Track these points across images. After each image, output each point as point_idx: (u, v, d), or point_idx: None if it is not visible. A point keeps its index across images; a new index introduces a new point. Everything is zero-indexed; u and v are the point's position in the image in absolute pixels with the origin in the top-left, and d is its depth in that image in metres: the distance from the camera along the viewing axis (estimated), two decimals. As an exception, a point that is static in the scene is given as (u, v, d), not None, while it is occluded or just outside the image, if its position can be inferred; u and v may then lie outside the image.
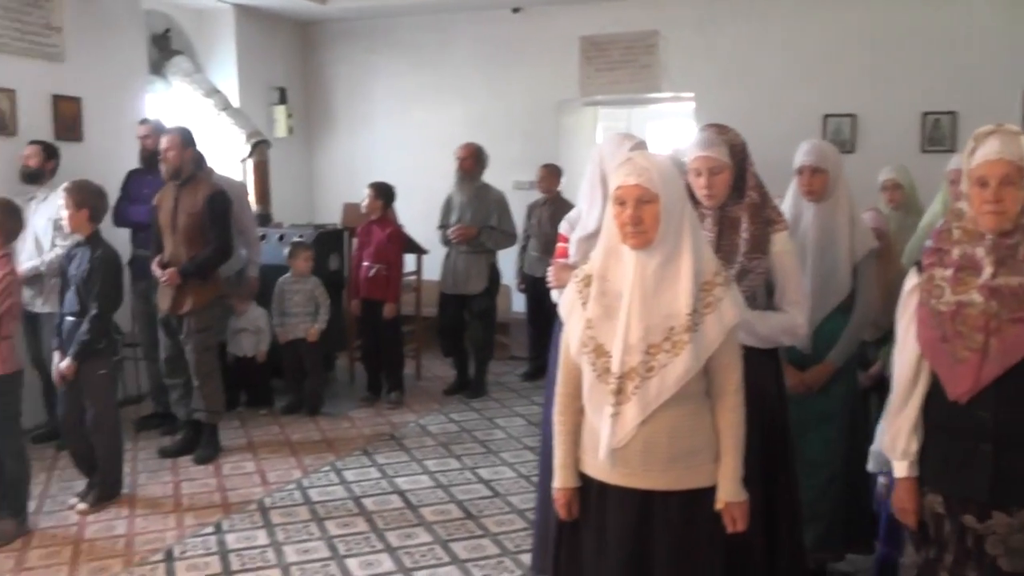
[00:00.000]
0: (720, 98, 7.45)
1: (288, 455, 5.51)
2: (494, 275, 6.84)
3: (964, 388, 2.23)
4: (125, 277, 5.00)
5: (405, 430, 6.03)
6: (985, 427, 2.21)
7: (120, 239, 5.61)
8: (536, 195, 7.30)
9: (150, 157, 5.76)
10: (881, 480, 2.94)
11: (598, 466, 2.39)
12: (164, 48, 7.61)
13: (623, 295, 2.31)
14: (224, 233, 5.27)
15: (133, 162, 6.08)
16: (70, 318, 4.55)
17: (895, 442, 2.40)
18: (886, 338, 3.54)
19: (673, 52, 7.72)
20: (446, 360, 7.15)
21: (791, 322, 2.92)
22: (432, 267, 7.09)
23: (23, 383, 4.37)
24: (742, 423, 2.38)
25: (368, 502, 4.72)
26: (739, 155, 2.91)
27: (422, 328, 7.43)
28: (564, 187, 7.17)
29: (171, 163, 5.17)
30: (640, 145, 3.22)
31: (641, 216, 2.26)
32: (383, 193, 6.55)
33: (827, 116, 7.29)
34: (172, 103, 7.66)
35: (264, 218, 7.56)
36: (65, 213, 4.53)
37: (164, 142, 5.20)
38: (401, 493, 4.86)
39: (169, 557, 4.09)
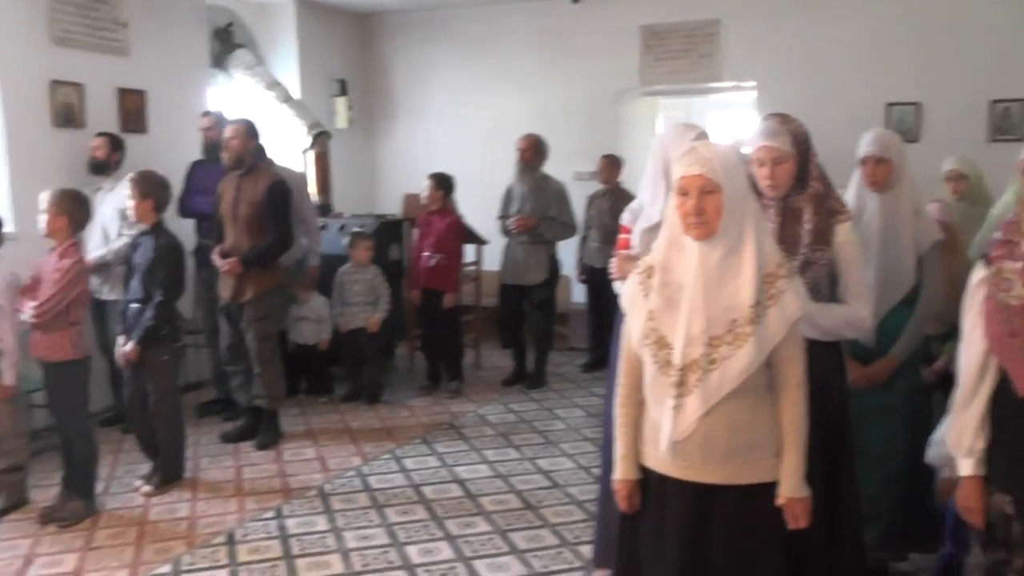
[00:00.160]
0: (782, 87, 7.33)
1: (348, 442, 5.56)
2: (554, 265, 6.83)
3: (1034, 385, 2.16)
4: (189, 265, 5.09)
5: (464, 419, 6.05)
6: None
7: (185, 229, 5.73)
8: (596, 186, 7.28)
9: (212, 148, 5.86)
10: (944, 473, 2.88)
11: (659, 458, 2.37)
12: (226, 42, 7.72)
13: (685, 287, 2.29)
14: (284, 222, 5.32)
15: (196, 153, 6.21)
16: (134, 305, 4.63)
17: (960, 439, 2.34)
18: (951, 333, 3.46)
19: (734, 41, 7.62)
20: (505, 351, 7.17)
21: (855, 315, 2.87)
22: (492, 257, 7.10)
23: (91, 368, 4.49)
24: (804, 418, 2.34)
25: (427, 490, 4.75)
26: (802, 145, 2.87)
27: (482, 318, 7.46)
28: (624, 178, 7.14)
29: (234, 151, 5.23)
30: (703, 135, 3.18)
31: (704, 207, 2.23)
32: (443, 183, 6.57)
33: (890, 105, 7.11)
34: (234, 96, 7.78)
35: (325, 208, 7.66)
36: (131, 203, 4.62)
37: (228, 131, 5.28)
38: (460, 482, 4.88)
39: (231, 540, 4.15)
